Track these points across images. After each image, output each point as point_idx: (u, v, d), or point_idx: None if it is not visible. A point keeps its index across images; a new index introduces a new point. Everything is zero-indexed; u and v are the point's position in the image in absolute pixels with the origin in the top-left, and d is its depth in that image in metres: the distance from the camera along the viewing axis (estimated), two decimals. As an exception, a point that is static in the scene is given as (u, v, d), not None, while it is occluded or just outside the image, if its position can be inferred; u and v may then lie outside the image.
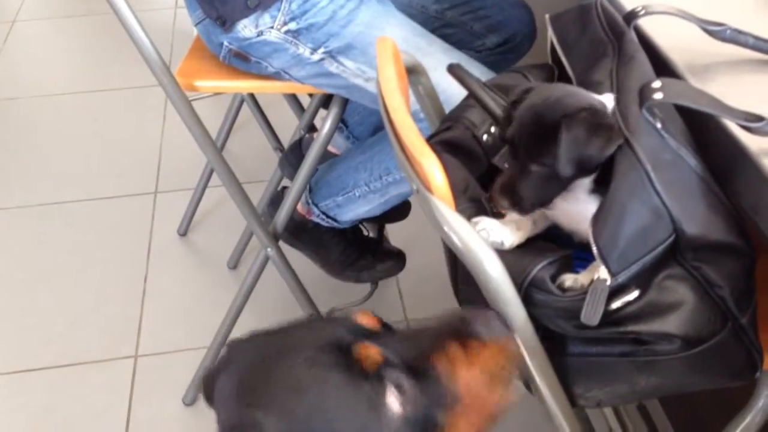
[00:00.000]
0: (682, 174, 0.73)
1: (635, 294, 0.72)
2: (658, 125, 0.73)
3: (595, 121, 0.74)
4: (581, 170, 0.76)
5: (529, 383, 0.83)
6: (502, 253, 0.77)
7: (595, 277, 0.72)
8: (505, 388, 0.71)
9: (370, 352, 0.66)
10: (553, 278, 0.76)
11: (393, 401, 0.65)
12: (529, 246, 0.82)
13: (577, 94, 0.78)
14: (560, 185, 0.78)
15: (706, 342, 0.74)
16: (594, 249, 0.72)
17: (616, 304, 0.72)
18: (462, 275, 0.87)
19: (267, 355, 0.68)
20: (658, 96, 0.72)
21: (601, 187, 0.77)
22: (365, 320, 0.70)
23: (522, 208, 0.80)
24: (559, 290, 0.75)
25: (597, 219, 0.73)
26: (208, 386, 0.72)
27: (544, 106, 0.77)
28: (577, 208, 0.80)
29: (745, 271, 0.75)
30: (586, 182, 0.78)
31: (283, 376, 0.66)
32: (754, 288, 0.76)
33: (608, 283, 0.71)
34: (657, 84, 0.73)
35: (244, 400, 0.67)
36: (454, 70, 0.94)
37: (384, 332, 0.71)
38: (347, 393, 0.64)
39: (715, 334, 0.74)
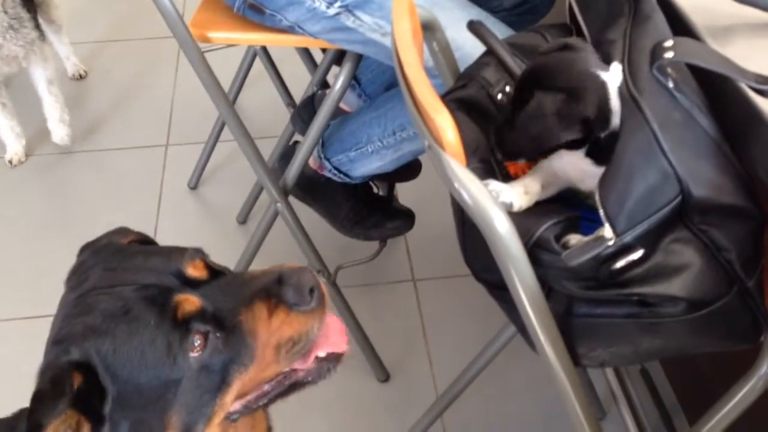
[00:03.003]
0: (693, 134, 0.73)
1: (640, 253, 0.72)
2: (670, 84, 0.73)
3: (564, 108, 0.76)
4: (537, 145, 0.79)
5: (533, 342, 0.84)
6: (509, 214, 0.77)
7: (600, 234, 0.72)
8: (288, 361, 0.74)
9: (186, 302, 0.70)
10: (558, 238, 0.77)
11: (194, 350, 0.69)
12: (536, 207, 0.83)
13: (582, 71, 0.78)
14: (545, 148, 0.80)
15: (711, 305, 0.74)
16: (600, 209, 0.72)
17: (620, 263, 0.72)
18: (470, 233, 0.87)
19: (107, 279, 0.73)
20: (669, 55, 0.72)
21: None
22: (194, 271, 0.73)
23: (503, 152, 0.83)
24: (563, 250, 0.75)
25: (604, 180, 0.73)
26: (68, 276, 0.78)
27: (547, 69, 0.79)
28: (582, 164, 0.80)
29: (753, 235, 0.75)
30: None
31: (97, 310, 0.70)
32: (762, 252, 0.76)
33: (612, 242, 0.71)
34: (669, 43, 0.73)
35: (73, 319, 0.71)
36: (473, 26, 0.93)
37: (209, 280, 0.74)
38: (151, 335, 0.68)
39: (720, 297, 0.74)
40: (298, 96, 1.90)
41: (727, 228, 0.73)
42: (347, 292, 1.58)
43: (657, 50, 0.73)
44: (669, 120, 0.72)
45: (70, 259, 0.82)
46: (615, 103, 0.77)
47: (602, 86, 0.77)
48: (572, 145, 0.79)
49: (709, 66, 0.73)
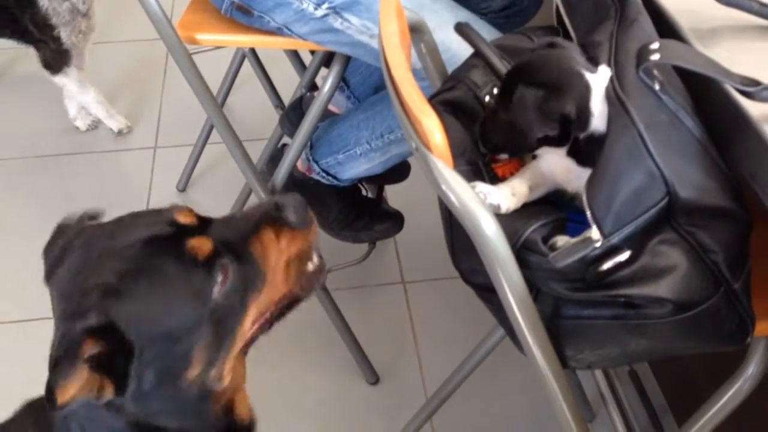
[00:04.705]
0: (679, 136, 0.73)
1: (626, 255, 0.72)
2: (656, 87, 0.73)
3: (544, 103, 0.77)
4: (517, 138, 0.81)
5: (521, 344, 0.84)
6: (496, 216, 0.77)
7: (587, 236, 0.72)
8: (295, 278, 0.79)
9: (202, 243, 0.73)
10: (545, 240, 0.77)
11: (219, 286, 0.72)
12: (523, 209, 0.83)
13: (566, 68, 0.79)
14: (525, 142, 0.81)
15: (697, 307, 0.74)
16: (587, 211, 0.72)
17: (607, 265, 0.73)
18: (458, 235, 0.87)
19: (104, 247, 0.73)
20: (655, 57, 0.72)
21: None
22: (185, 218, 0.76)
23: (484, 143, 0.85)
24: (550, 251, 0.75)
25: (591, 182, 0.73)
26: (49, 263, 0.77)
27: (532, 65, 0.81)
28: (566, 163, 0.81)
29: (739, 236, 0.75)
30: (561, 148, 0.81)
31: (108, 273, 0.70)
32: (748, 254, 0.76)
33: (599, 244, 0.71)
34: (655, 45, 0.73)
35: (82, 290, 0.71)
36: (461, 28, 0.93)
37: (204, 223, 0.77)
38: (175, 283, 0.71)
39: (707, 299, 0.74)
40: (287, 98, 1.90)
41: (713, 230, 0.73)
42: (336, 295, 1.58)
43: (643, 52, 0.73)
44: (655, 122, 0.72)
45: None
46: (598, 105, 0.77)
47: (586, 87, 0.77)
48: (551, 142, 0.79)
49: (694, 68, 0.73)
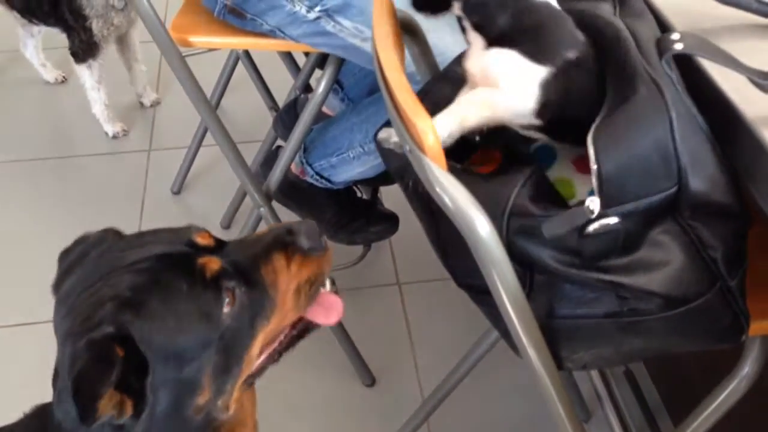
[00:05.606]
0: (694, 129, 0.73)
1: (614, 220, 0.71)
2: (674, 77, 0.73)
3: None
4: None
5: (516, 346, 0.84)
6: (478, 188, 0.77)
7: (586, 204, 0.71)
8: (305, 304, 0.79)
9: (210, 263, 0.73)
10: (532, 198, 0.76)
11: (227, 307, 0.72)
12: (497, 175, 0.82)
13: None
14: None
15: (690, 303, 0.74)
16: (594, 179, 0.71)
17: (593, 227, 0.71)
18: (447, 239, 0.87)
19: (117, 260, 0.73)
20: (678, 47, 0.72)
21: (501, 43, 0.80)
22: (202, 240, 0.76)
23: None
24: (542, 211, 0.74)
25: (603, 136, 0.72)
26: (61, 271, 0.77)
27: None
28: (480, 62, 0.82)
29: (740, 234, 0.75)
30: (479, 39, 0.82)
31: (122, 286, 0.70)
32: (745, 252, 0.76)
33: (595, 213, 0.71)
34: (676, 36, 0.73)
35: (95, 302, 0.70)
36: None
37: (219, 246, 0.77)
38: (186, 298, 0.70)
39: (700, 295, 0.74)
40: (281, 100, 1.90)
41: (715, 226, 0.74)
42: (332, 297, 1.57)
43: (665, 42, 0.73)
44: (680, 111, 0.72)
45: (52, 266, 0.81)
46: None
47: None
48: None
49: (715, 60, 0.73)
